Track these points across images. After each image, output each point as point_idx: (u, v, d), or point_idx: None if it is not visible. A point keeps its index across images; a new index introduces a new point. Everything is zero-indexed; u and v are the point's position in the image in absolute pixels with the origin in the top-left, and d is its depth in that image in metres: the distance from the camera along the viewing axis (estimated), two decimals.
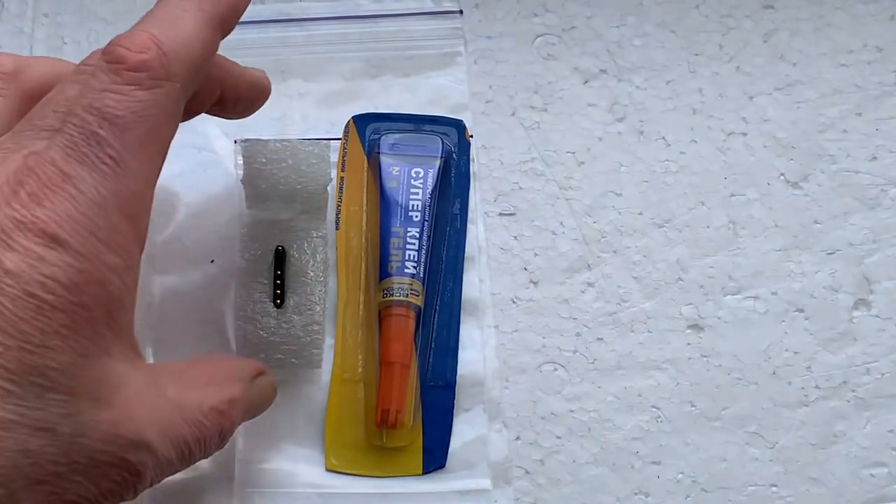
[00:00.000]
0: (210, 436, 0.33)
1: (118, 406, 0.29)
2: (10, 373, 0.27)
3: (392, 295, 0.42)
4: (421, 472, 0.41)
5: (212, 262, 0.44)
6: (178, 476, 0.40)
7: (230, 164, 0.45)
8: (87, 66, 0.32)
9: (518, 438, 0.42)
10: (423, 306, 0.42)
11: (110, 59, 0.30)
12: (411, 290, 0.42)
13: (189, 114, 0.38)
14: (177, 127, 0.32)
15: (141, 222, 0.31)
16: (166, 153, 0.32)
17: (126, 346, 0.30)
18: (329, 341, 0.43)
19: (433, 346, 0.43)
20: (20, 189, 0.28)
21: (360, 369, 0.42)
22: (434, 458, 0.41)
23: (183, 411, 0.32)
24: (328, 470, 0.41)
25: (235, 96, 0.38)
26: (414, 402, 0.42)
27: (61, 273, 0.28)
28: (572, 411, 0.42)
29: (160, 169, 0.32)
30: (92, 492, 0.29)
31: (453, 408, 0.42)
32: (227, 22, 0.34)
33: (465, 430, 0.42)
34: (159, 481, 0.32)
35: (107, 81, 0.30)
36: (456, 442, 0.42)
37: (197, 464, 0.38)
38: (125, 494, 0.30)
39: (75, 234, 0.28)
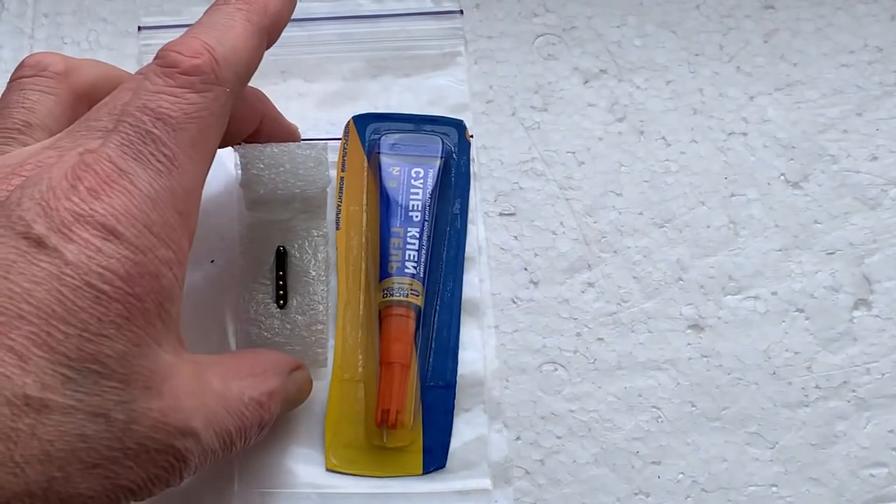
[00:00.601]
0: (250, 426, 0.34)
1: (167, 395, 0.30)
2: (70, 360, 0.28)
3: (392, 295, 0.42)
4: (421, 472, 0.41)
5: (212, 262, 0.44)
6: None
7: (230, 165, 0.45)
8: (142, 75, 0.33)
9: (518, 438, 0.42)
10: (423, 306, 0.42)
11: (164, 63, 0.32)
12: (411, 290, 0.42)
13: (228, 139, 0.39)
14: (223, 130, 0.34)
15: (191, 218, 0.32)
16: (214, 154, 0.33)
17: (174, 337, 0.31)
18: (329, 341, 0.43)
19: (433, 346, 0.43)
20: (79, 184, 0.29)
21: (360, 369, 0.42)
22: (434, 458, 0.41)
23: (226, 402, 0.33)
24: (328, 470, 0.41)
25: (270, 133, 0.41)
26: (414, 402, 0.42)
27: (118, 265, 0.29)
28: (572, 411, 0.42)
29: (209, 168, 0.33)
30: (141, 477, 0.30)
31: (453, 408, 0.42)
32: (272, 32, 0.36)
33: (465, 430, 0.42)
34: (203, 469, 0.33)
35: (161, 84, 0.31)
36: (456, 442, 0.42)
37: None
38: (171, 480, 0.31)
39: (131, 227, 0.29)
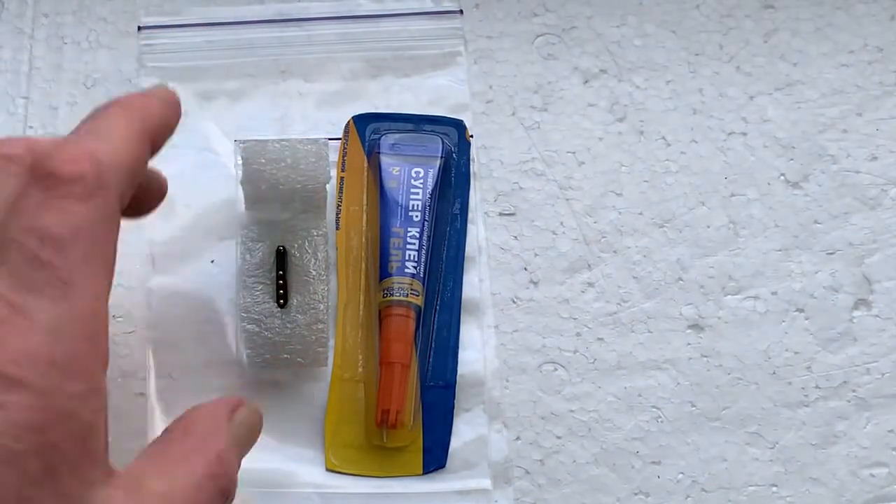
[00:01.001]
0: (214, 502, 0.31)
1: None
2: None
3: (392, 295, 0.42)
4: (421, 472, 0.41)
5: (212, 262, 0.44)
6: None
7: (230, 164, 0.45)
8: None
9: (518, 438, 0.42)
10: (423, 306, 0.42)
11: (42, 173, 0.29)
12: (411, 289, 0.42)
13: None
14: (117, 235, 0.31)
15: (100, 341, 0.29)
16: (113, 264, 0.30)
17: (102, 469, 0.29)
18: (329, 341, 0.43)
19: (433, 345, 0.43)
20: None
21: (360, 369, 0.42)
22: (434, 457, 0.41)
23: (178, 497, 0.30)
24: (328, 470, 0.41)
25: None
26: (414, 402, 0.42)
27: (25, 416, 0.26)
28: (572, 411, 0.42)
29: (110, 282, 0.30)
30: None
31: (453, 408, 0.42)
32: (157, 138, 0.34)
33: (464, 430, 0.42)
34: None
35: (41, 198, 0.28)
36: (456, 442, 0.42)
37: None
38: None
39: (32, 369, 0.26)
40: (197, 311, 0.43)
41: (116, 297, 0.43)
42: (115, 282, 0.42)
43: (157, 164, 0.45)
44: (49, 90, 0.46)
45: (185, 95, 0.46)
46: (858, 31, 0.48)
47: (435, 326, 0.43)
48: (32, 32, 0.48)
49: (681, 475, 0.42)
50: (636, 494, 0.41)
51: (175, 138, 0.45)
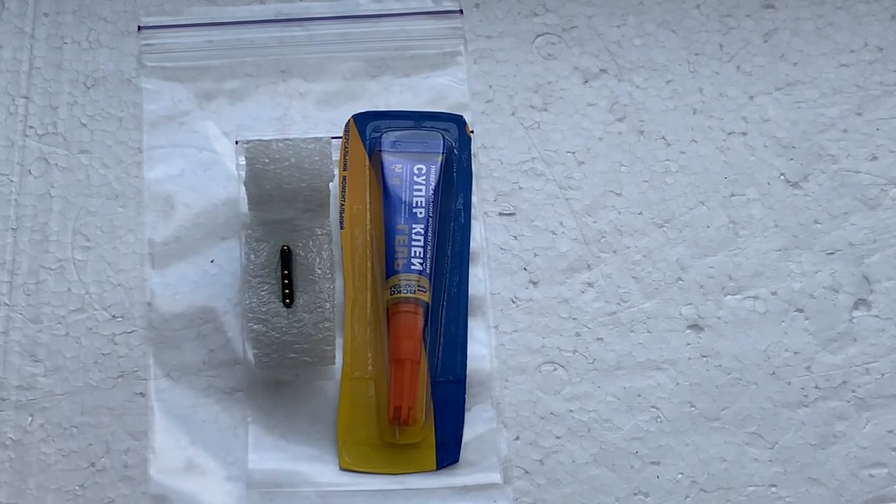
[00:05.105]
0: None
1: None
2: None
3: (399, 292, 0.42)
4: (435, 467, 0.41)
5: (212, 261, 0.44)
6: (192, 480, 0.40)
7: (230, 164, 0.45)
8: None
9: (518, 438, 0.42)
10: (430, 302, 0.42)
11: None
12: (418, 286, 0.42)
13: None
14: None
15: None
16: None
17: None
18: (337, 340, 0.43)
19: (442, 341, 0.43)
20: None
21: (369, 367, 0.42)
22: (447, 453, 0.41)
23: None
24: (342, 468, 0.41)
25: None
26: (425, 398, 0.42)
27: None
28: (572, 411, 0.42)
29: None
30: None
31: (464, 402, 0.42)
32: None
33: (473, 425, 0.42)
34: None
35: None
36: (465, 437, 0.42)
37: (209, 466, 0.40)
38: None
39: None
40: (197, 311, 0.43)
41: (116, 296, 0.43)
42: (115, 281, 0.43)
43: (158, 163, 0.45)
44: (49, 90, 0.46)
45: (186, 95, 0.46)
46: (859, 30, 0.48)
47: (443, 322, 0.43)
48: (33, 32, 0.48)
49: (680, 475, 0.42)
50: (635, 494, 0.41)
51: (175, 138, 0.46)
